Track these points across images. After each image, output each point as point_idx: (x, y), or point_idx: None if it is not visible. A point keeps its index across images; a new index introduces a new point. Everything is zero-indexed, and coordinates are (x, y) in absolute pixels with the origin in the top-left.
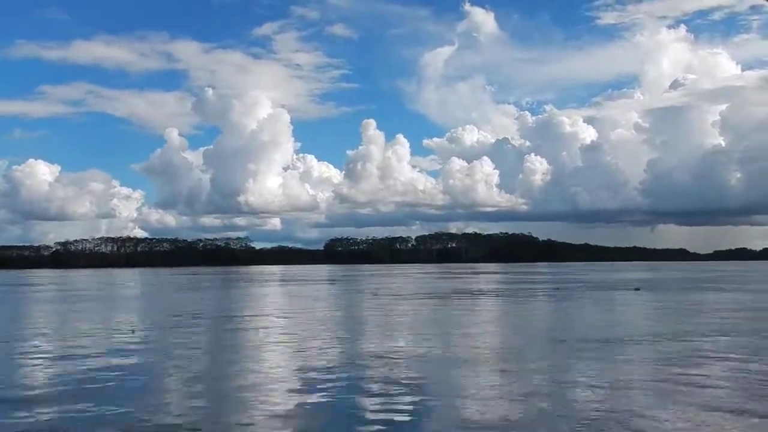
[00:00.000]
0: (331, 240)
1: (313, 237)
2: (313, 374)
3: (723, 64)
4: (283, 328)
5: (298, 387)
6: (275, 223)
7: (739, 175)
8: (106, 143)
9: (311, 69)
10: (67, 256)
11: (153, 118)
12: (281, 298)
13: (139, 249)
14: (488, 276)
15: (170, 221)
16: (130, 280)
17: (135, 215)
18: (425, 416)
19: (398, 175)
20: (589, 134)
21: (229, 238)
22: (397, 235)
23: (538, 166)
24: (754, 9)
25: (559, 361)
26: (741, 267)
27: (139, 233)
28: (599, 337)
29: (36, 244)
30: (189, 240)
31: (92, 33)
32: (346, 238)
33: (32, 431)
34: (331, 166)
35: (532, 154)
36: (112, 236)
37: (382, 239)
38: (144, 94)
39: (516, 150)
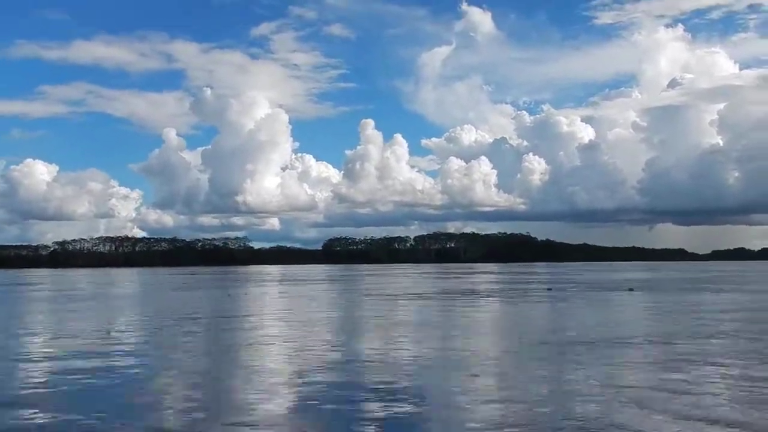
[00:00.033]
0: (330, 240)
1: (311, 237)
2: (275, 379)
3: (721, 63)
4: (264, 330)
5: (253, 393)
6: (273, 222)
7: (737, 175)
8: (105, 143)
9: (309, 69)
10: (65, 256)
11: (152, 118)
12: (272, 298)
13: (137, 249)
14: (483, 276)
15: (168, 221)
16: (125, 279)
17: (133, 215)
18: (380, 424)
19: (396, 175)
20: (586, 134)
21: (227, 238)
22: (396, 235)
23: (536, 166)
24: (752, 8)
25: (535, 365)
26: (739, 267)
27: (138, 233)
28: (583, 340)
29: (34, 244)
30: (187, 240)
31: (92, 33)
32: (345, 238)
33: None
34: (329, 166)
35: (530, 154)
36: (111, 236)
37: (380, 239)
38: (143, 94)
39: (514, 150)
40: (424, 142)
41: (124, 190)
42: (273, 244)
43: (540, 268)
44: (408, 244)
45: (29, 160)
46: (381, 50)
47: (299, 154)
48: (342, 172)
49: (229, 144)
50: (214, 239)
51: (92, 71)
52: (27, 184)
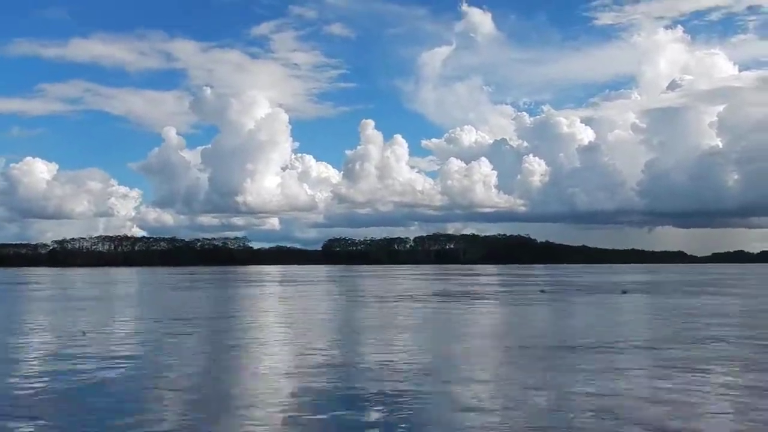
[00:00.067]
0: (329, 240)
1: (311, 237)
2: (241, 385)
3: (720, 65)
4: (246, 333)
5: (224, 399)
6: (273, 222)
7: (736, 176)
8: (104, 142)
9: (309, 68)
10: (64, 255)
11: (151, 117)
12: (262, 300)
13: (136, 248)
14: (479, 278)
15: (168, 220)
16: (122, 279)
17: (133, 214)
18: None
19: (397, 176)
20: (586, 135)
21: (227, 238)
22: (396, 236)
23: (536, 167)
24: (752, 9)
25: (508, 372)
26: (738, 270)
27: (137, 232)
28: (564, 344)
29: (33, 243)
30: (186, 239)
31: (90, 31)
32: (344, 239)
33: None
34: (329, 166)
35: (530, 155)
36: (110, 235)
37: (380, 240)
38: (142, 92)
39: (514, 151)
40: (424, 142)
41: (123, 189)
42: (273, 245)
43: (538, 270)
44: (408, 245)
45: (29, 159)
46: (381, 50)
47: (299, 154)
48: (342, 172)
49: (229, 143)
50: (214, 239)
51: (91, 69)
52: (26, 182)
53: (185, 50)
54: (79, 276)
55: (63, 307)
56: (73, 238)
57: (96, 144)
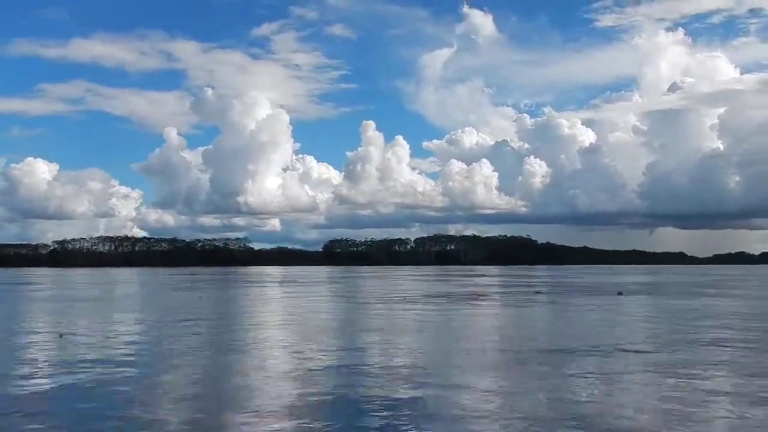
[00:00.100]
0: (330, 241)
1: (312, 238)
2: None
3: (721, 68)
4: (238, 335)
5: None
6: (274, 223)
7: (737, 179)
8: (105, 142)
9: (310, 69)
10: (64, 255)
11: (152, 118)
12: (258, 301)
13: (137, 248)
14: (476, 279)
15: (169, 221)
16: (120, 279)
17: (134, 215)
18: None
19: (398, 177)
20: (587, 137)
21: (227, 239)
22: (396, 237)
23: (537, 169)
24: (753, 12)
25: (480, 377)
26: (739, 271)
27: (138, 233)
28: (547, 348)
29: (34, 243)
30: (187, 240)
31: (91, 31)
32: (345, 240)
33: None
34: (330, 167)
35: (531, 157)
36: (110, 236)
37: (381, 241)
38: (143, 93)
39: (515, 152)
40: (425, 144)
41: (124, 190)
42: (273, 245)
43: (538, 271)
44: (408, 246)
45: (30, 159)
46: (382, 51)
47: (300, 155)
48: (343, 173)
49: (230, 144)
50: (215, 240)
51: (91, 69)
52: (27, 182)
53: (186, 51)
54: (78, 276)
55: (54, 308)
56: (73, 239)
57: (97, 144)
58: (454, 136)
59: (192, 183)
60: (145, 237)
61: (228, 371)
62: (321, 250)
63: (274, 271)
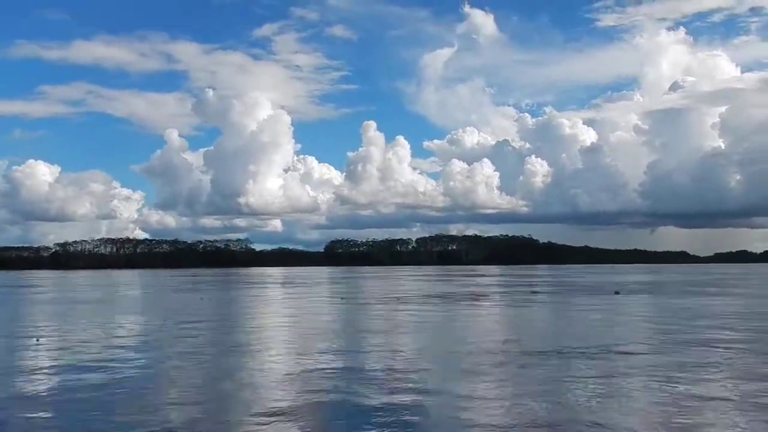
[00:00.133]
0: (331, 242)
1: (313, 238)
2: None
3: (722, 66)
4: (225, 337)
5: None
6: (276, 224)
7: (738, 177)
8: (106, 144)
9: (311, 70)
10: (66, 257)
11: (153, 119)
12: (252, 302)
13: (138, 250)
14: (475, 279)
15: (170, 222)
16: (120, 281)
17: (135, 216)
18: None
19: (399, 177)
20: (588, 136)
21: (229, 240)
22: (398, 237)
23: (539, 168)
24: (754, 11)
25: (454, 381)
26: (740, 270)
27: (140, 234)
28: (530, 349)
29: (35, 245)
30: (189, 241)
31: (92, 33)
32: (346, 240)
33: None
34: (331, 168)
35: (532, 156)
36: (112, 237)
37: (382, 241)
38: (144, 94)
39: (516, 152)
40: (426, 144)
41: (126, 191)
42: (275, 246)
43: (539, 270)
44: (410, 247)
45: (31, 161)
46: (383, 52)
47: (301, 156)
48: (344, 173)
49: (231, 145)
50: (216, 241)
51: (92, 71)
52: (29, 184)
53: (187, 52)
54: (78, 279)
55: (45, 311)
56: (75, 241)
57: (98, 146)
58: (455, 136)
59: (193, 184)
60: (146, 239)
61: (214, 376)
62: (322, 250)
63: (275, 272)
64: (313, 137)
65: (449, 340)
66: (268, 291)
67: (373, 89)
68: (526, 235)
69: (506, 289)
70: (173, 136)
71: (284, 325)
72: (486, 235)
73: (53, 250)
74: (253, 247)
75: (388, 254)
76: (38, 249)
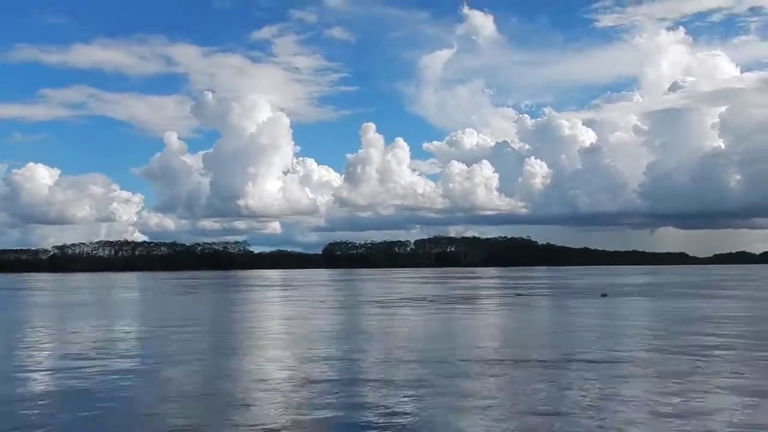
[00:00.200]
0: (330, 244)
1: (312, 241)
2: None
3: (722, 66)
4: (215, 342)
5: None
6: (275, 226)
7: (738, 178)
8: (106, 147)
9: (310, 72)
10: (64, 260)
11: (153, 122)
12: (237, 306)
13: (136, 253)
14: (468, 281)
15: (170, 225)
16: (111, 284)
17: (135, 219)
18: None
19: (398, 179)
20: (588, 137)
21: (227, 242)
22: (397, 239)
23: (538, 170)
24: (753, 11)
25: (395, 391)
26: (739, 271)
27: (139, 237)
28: (490, 357)
29: (34, 248)
30: (187, 244)
31: (92, 36)
32: (345, 242)
33: None
34: (330, 170)
35: (532, 158)
36: (110, 240)
37: (380, 243)
38: (144, 97)
39: (515, 153)
40: (425, 145)
41: (125, 194)
42: (274, 248)
43: (535, 272)
44: (408, 249)
45: (31, 164)
46: (382, 53)
47: (300, 158)
48: (343, 175)
49: (230, 147)
50: (214, 243)
51: (92, 75)
52: (29, 187)
53: (186, 55)
54: (73, 282)
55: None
56: (73, 244)
57: (98, 149)
58: (454, 138)
59: (193, 187)
60: (144, 241)
61: (165, 386)
62: (321, 252)
63: (271, 274)
64: (312, 139)
65: (400, 348)
66: (252, 294)
67: (373, 91)
68: (525, 237)
69: (493, 292)
70: (172, 138)
71: (249, 331)
72: (485, 237)
73: (51, 253)
74: (251, 249)
75: (386, 256)
76: (36, 252)
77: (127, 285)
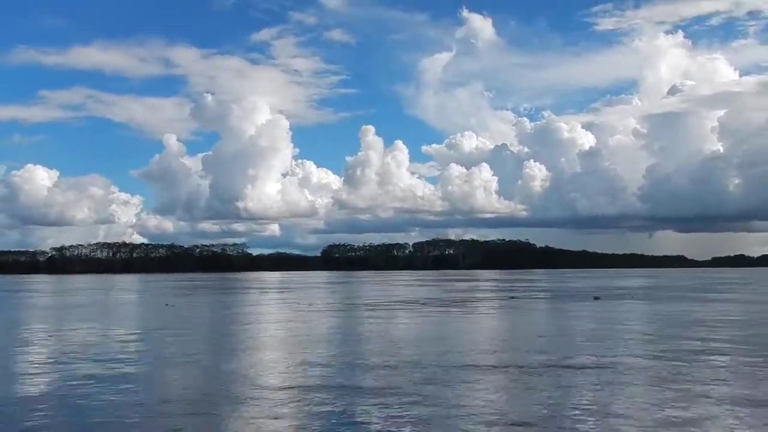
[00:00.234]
0: (329, 246)
1: (311, 243)
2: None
3: (721, 70)
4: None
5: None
6: (274, 229)
7: (737, 181)
8: (105, 148)
9: (309, 74)
10: (62, 262)
11: (152, 124)
12: (205, 309)
13: (135, 255)
14: (462, 284)
15: (169, 227)
16: (103, 287)
17: (134, 221)
18: None
19: (397, 182)
20: (587, 140)
21: (225, 244)
22: (396, 242)
23: (537, 173)
24: (752, 15)
25: (352, 398)
26: (737, 274)
27: (138, 239)
28: (462, 363)
29: (32, 250)
30: (185, 246)
31: (91, 38)
32: (344, 245)
33: None
34: (329, 172)
35: (531, 161)
36: (108, 242)
37: (379, 245)
38: (143, 99)
39: (514, 156)
40: (424, 148)
41: (124, 196)
42: (273, 251)
43: (533, 275)
44: (407, 251)
45: (30, 166)
46: (381, 56)
47: (300, 160)
48: (342, 178)
49: (229, 150)
50: (213, 245)
51: (91, 76)
52: (27, 189)
53: (186, 57)
54: (66, 284)
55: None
56: (71, 245)
57: (97, 151)
58: (453, 140)
59: (192, 189)
60: (143, 243)
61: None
62: (319, 255)
63: (269, 276)
64: (311, 142)
65: (376, 352)
66: (244, 297)
67: (372, 93)
68: (523, 240)
69: (487, 295)
70: (172, 140)
71: (228, 336)
72: (483, 240)
73: (50, 255)
74: (249, 251)
75: (384, 259)
76: (35, 253)
77: (121, 287)
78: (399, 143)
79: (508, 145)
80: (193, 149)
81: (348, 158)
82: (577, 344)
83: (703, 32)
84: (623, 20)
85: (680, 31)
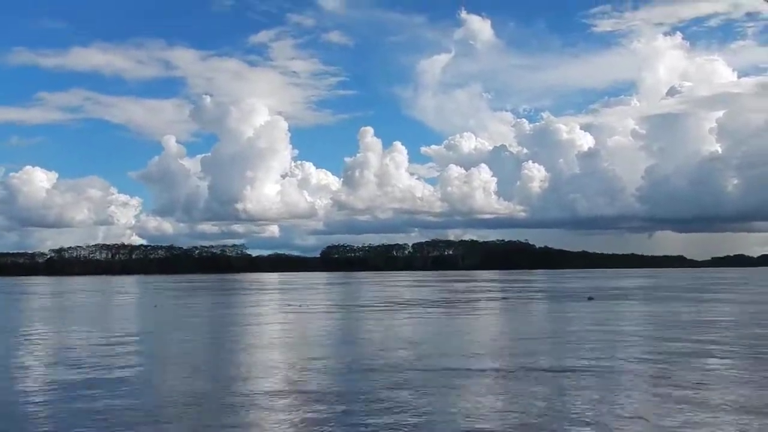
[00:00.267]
0: (328, 247)
1: (310, 244)
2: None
3: (719, 71)
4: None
5: None
6: (273, 230)
7: (736, 182)
8: (104, 150)
9: (308, 76)
10: (61, 264)
11: (150, 125)
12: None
13: (134, 256)
14: (459, 284)
15: (168, 228)
16: (100, 289)
17: (133, 222)
18: None
19: (396, 182)
20: (586, 141)
21: (224, 246)
22: (395, 243)
23: (536, 174)
24: (750, 16)
25: (321, 403)
26: (736, 274)
27: (137, 240)
28: (450, 365)
29: (30, 251)
30: (185, 247)
31: (89, 40)
32: (343, 245)
33: None
34: (328, 173)
35: (530, 162)
36: (107, 243)
37: (378, 246)
38: (141, 101)
39: (513, 157)
40: (423, 149)
41: (123, 198)
42: (272, 252)
43: (532, 275)
44: (406, 252)
45: (28, 167)
46: (380, 57)
47: (299, 162)
48: (341, 179)
49: (228, 151)
50: (212, 246)
51: (90, 78)
52: (26, 191)
53: (184, 58)
54: (63, 286)
55: None
56: (70, 247)
57: (96, 152)
58: (452, 142)
59: (191, 190)
60: (142, 244)
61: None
62: (319, 256)
63: (268, 278)
64: (310, 143)
65: (356, 354)
66: (239, 298)
67: (370, 95)
68: (523, 240)
69: (477, 295)
70: (171, 142)
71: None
72: (482, 240)
73: (48, 257)
74: (248, 252)
75: (384, 259)
76: (33, 255)
77: (117, 289)
78: (398, 144)
79: (507, 146)
80: (192, 151)
81: (347, 159)
82: (562, 347)
83: (702, 33)
84: (622, 22)
85: (679, 32)
